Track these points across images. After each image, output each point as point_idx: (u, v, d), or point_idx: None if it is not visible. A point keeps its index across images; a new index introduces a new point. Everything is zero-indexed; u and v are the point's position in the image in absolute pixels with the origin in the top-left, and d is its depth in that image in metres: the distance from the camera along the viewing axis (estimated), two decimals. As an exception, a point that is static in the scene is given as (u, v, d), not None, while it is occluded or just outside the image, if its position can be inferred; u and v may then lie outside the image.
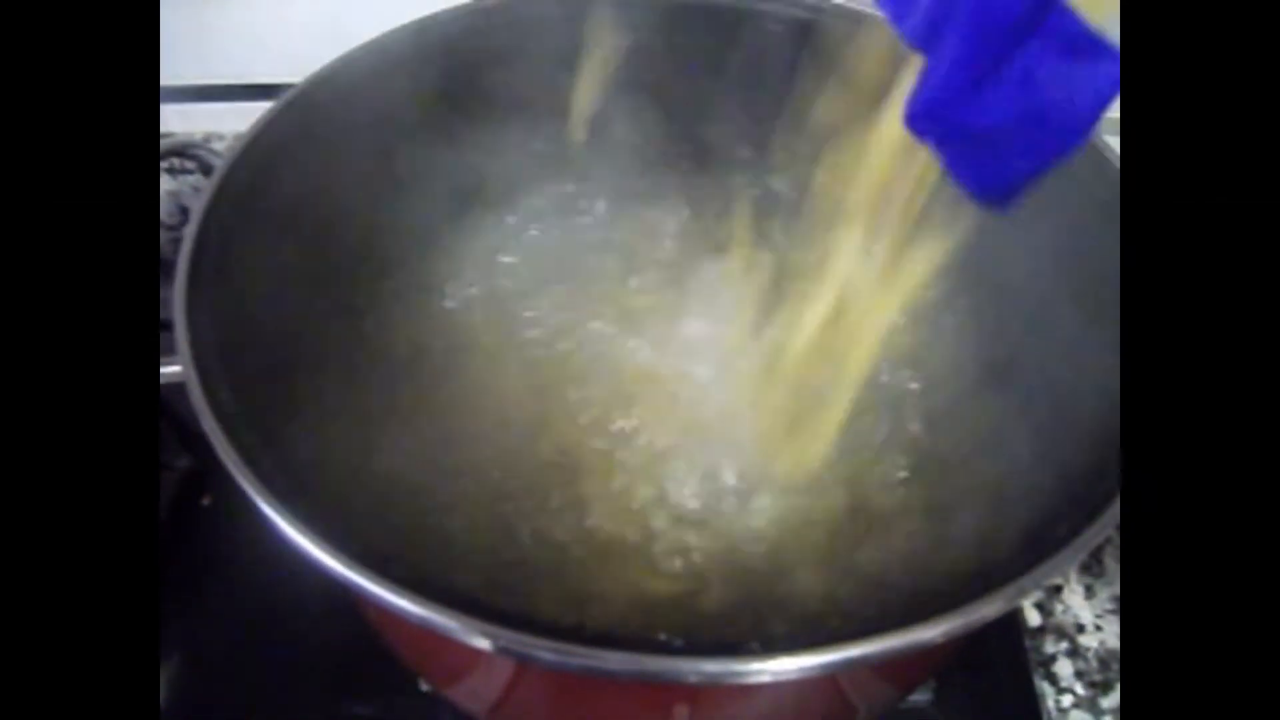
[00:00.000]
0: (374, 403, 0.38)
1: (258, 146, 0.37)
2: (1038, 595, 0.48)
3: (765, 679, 0.24)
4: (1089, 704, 0.45)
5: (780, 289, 0.41)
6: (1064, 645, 0.47)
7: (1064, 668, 0.46)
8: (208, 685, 0.45)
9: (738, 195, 0.47)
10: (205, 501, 0.50)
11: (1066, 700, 0.45)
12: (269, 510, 0.27)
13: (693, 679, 0.24)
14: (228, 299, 0.34)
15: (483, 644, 0.24)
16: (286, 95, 0.39)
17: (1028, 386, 0.39)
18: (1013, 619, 0.47)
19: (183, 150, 0.40)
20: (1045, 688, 0.45)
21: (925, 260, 0.33)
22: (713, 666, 0.24)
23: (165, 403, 0.49)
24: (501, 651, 0.24)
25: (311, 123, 0.39)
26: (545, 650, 0.24)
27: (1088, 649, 0.47)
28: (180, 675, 0.45)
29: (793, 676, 0.24)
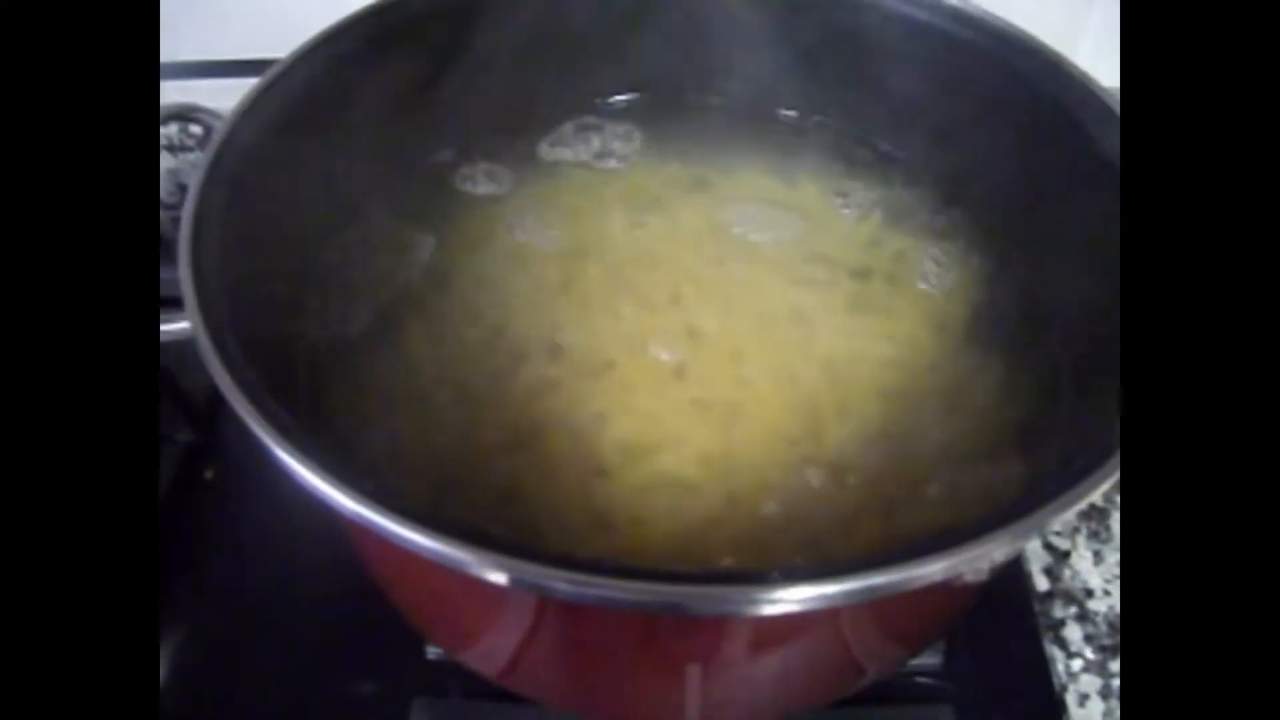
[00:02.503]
0: (380, 357, 0.38)
1: (258, 111, 0.38)
2: (1045, 559, 0.48)
3: (787, 608, 0.24)
4: (1098, 668, 0.45)
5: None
6: (1073, 610, 0.47)
7: (1073, 632, 0.46)
8: (211, 661, 0.45)
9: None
10: (208, 475, 0.50)
11: (1076, 664, 0.45)
12: (283, 455, 0.26)
13: (717, 608, 0.24)
14: (232, 257, 0.33)
15: (498, 578, 0.24)
16: (285, 59, 0.39)
17: (1035, 337, 0.39)
18: (1021, 584, 0.47)
19: (185, 114, 0.40)
20: (1055, 652, 0.45)
21: None
22: (737, 594, 0.24)
23: (167, 375, 0.49)
24: (517, 584, 0.24)
25: (310, 85, 0.39)
26: (562, 581, 0.24)
27: (1096, 613, 0.46)
28: (183, 651, 0.45)
29: (814, 605, 0.24)
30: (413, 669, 0.44)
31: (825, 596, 0.24)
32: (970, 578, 0.31)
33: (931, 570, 0.25)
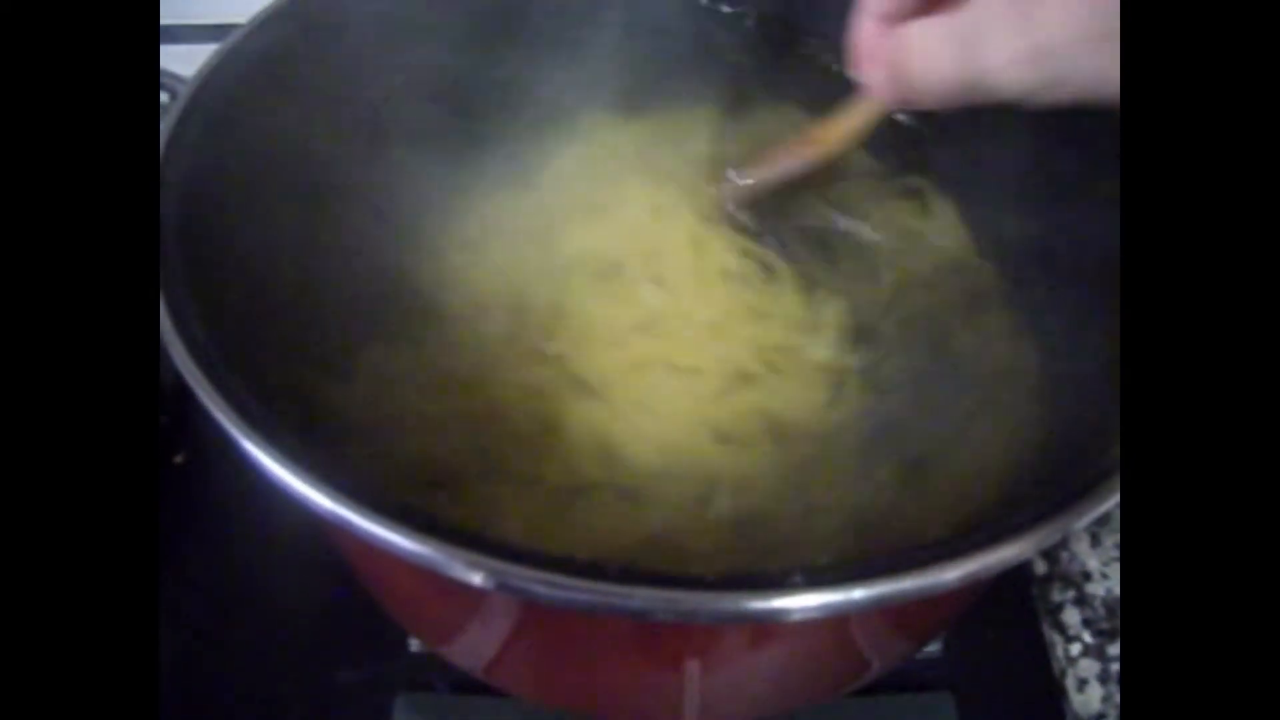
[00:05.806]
0: (351, 333, 0.36)
1: (222, 76, 0.35)
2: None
3: (810, 615, 0.22)
4: (1097, 651, 0.44)
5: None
6: (1071, 593, 0.46)
7: (1071, 616, 0.45)
8: (187, 654, 0.43)
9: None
10: (178, 459, 0.48)
11: (1075, 649, 0.44)
12: (251, 447, 0.25)
13: (731, 616, 0.22)
14: (195, 233, 0.31)
15: (479, 580, 0.23)
16: (247, 25, 0.37)
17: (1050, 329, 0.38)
18: (1019, 568, 0.46)
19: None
20: (1054, 636, 0.44)
21: None
22: (755, 603, 0.22)
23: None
24: (500, 589, 0.23)
25: (275, 50, 0.37)
26: (543, 585, 0.22)
27: (1094, 597, 0.46)
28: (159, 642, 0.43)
29: (836, 612, 0.22)
30: (397, 661, 0.42)
31: (828, 606, 0.22)
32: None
33: (950, 577, 0.23)
